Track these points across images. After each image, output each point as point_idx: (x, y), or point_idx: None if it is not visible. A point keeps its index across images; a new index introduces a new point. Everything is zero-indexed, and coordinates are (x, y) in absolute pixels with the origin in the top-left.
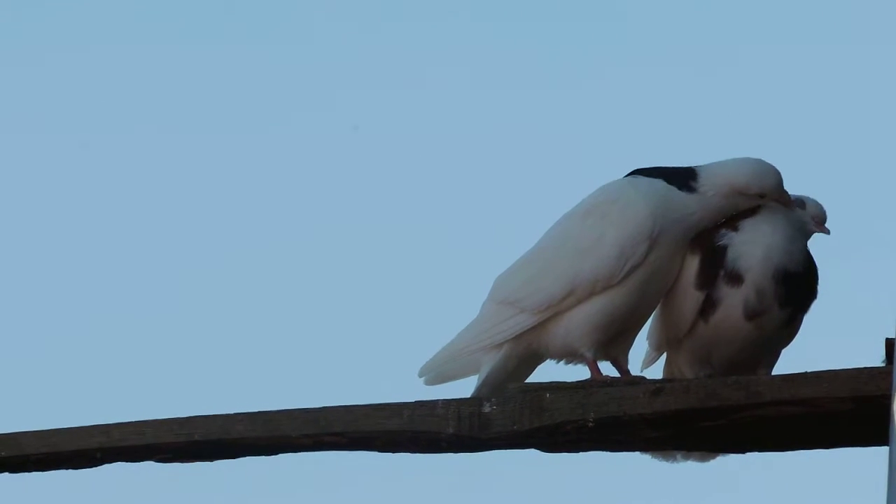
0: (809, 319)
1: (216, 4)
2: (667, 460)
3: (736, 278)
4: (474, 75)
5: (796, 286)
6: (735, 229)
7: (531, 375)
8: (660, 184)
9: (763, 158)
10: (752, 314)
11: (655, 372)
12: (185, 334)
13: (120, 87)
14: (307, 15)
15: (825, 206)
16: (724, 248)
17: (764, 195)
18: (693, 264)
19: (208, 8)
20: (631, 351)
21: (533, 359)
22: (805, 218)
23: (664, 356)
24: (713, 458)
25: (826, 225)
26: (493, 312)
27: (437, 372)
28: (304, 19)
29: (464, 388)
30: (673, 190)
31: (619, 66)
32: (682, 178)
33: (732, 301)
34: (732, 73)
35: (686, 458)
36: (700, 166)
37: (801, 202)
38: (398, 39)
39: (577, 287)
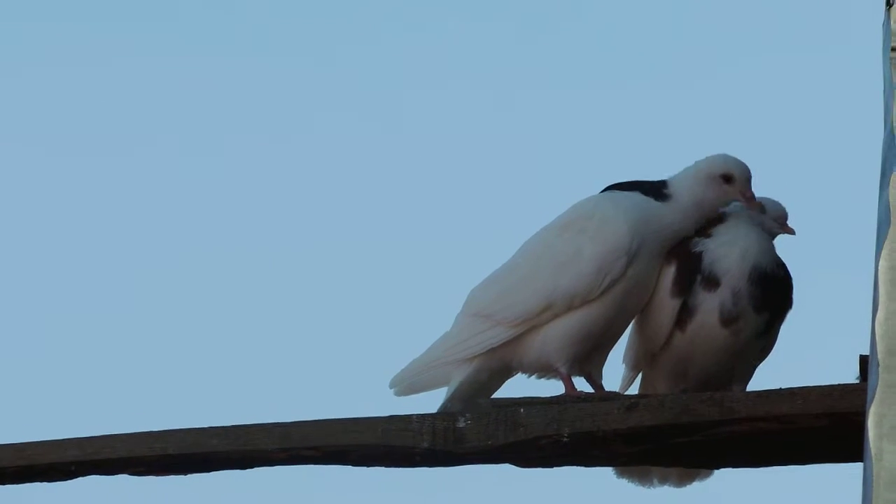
0: (783, 335)
1: (226, 14)
2: (643, 485)
3: (713, 282)
4: (447, 87)
5: (771, 289)
6: (708, 236)
7: (503, 390)
8: (637, 196)
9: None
10: (727, 318)
11: (631, 392)
12: (159, 348)
13: (125, 95)
14: (318, 20)
15: (785, 206)
16: (700, 254)
17: (731, 177)
18: (669, 273)
19: (220, 17)
20: (606, 370)
21: (504, 372)
22: (768, 222)
23: (640, 376)
24: (689, 483)
25: (789, 224)
26: (467, 325)
27: (408, 383)
28: (316, 24)
29: (437, 400)
30: (649, 201)
31: (600, 78)
32: (655, 188)
33: (709, 306)
34: (710, 84)
35: (662, 483)
36: (669, 177)
37: (760, 207)
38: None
39: (555, 302)
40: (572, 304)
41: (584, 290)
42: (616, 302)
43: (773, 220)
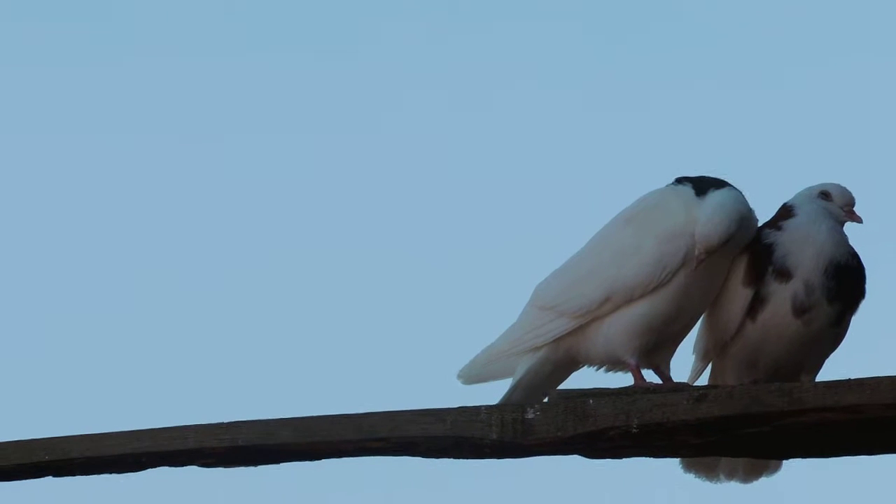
0: (853, 325)
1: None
2: (710, 480)
3: (785, 274)
4: (518, 80)
5: (846, 281)
6: (779, 228)
7: (571, 381)
8: (692, 194)
9: (730, 201)
10: (800, 309)
11: (700, 383)
12: (230, 340)
13: (132, 94)
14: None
15: (853, 192)
16: (771, 246)
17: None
18: (741, 263)
19: (241, 14)
20: (675, 363)
21: (570, 365)
22: (834, 210)
23: (709, 368)
24: (756, 478)
25: (857, 212)
26: (533, 317)
27: (475, 373)
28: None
29: (504, 390)
30: (692, 200)
31: (665, 79)
32: (706, 192)
33: (781, 297)
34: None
35: (729, 478)
36: (721, 185)
37: (825, 193)
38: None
39: (615, 293)
40: (633, 295)
41: (644, 282)
42: (677, 294)
43: (839, 208)
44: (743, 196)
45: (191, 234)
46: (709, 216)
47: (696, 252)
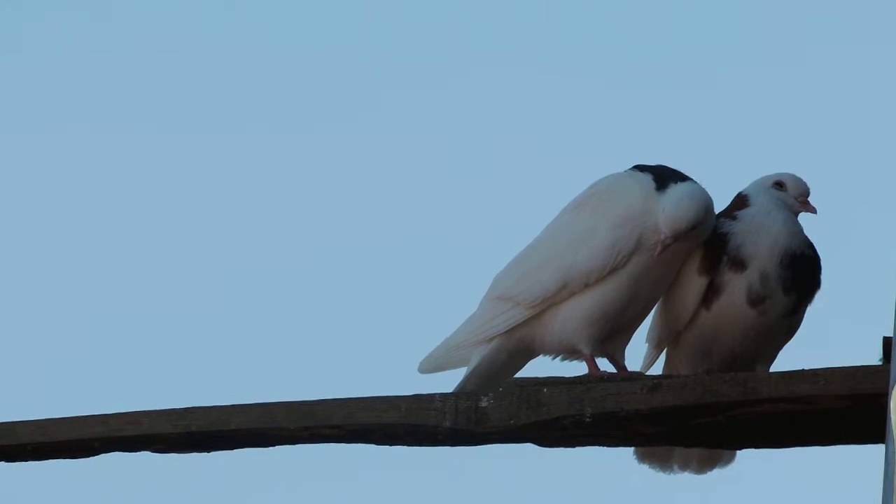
0: (808, 317)
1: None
2: (664, 471)
3: (740, 264)
4: (477, 75)
5: (801, 271)
6: (734, 218)
7: (526, 370)
8: (653, 179)
9: (698, 195)
10: (755, 299)
11: (654, 372)
12: (183, 326)
13: (126, 88)
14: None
15: (807, 182)
16: (726, 236)
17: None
18: (696, 252)
19: (230, 7)
20: (629, 351)
21: (525, 353)
22: (788, 199)
23: (663, 357)
24: (710, 469)
25: (811, 202)
26: (489, 308)
27: (435, 365)
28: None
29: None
30: (651, 189)
31: (615, 67)
32: (666, 182)
33: (736, 286)
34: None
35: (683, 469)
36: (682, 177)
37: (779, 183)
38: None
39: (571, 280)
40: (588, 281)
41: (599, 267)
42: (631, 282)
43: (794, 199)
44: (705, 190)
45: (148, 220)
46: (678, 201)
47: (662, 237)
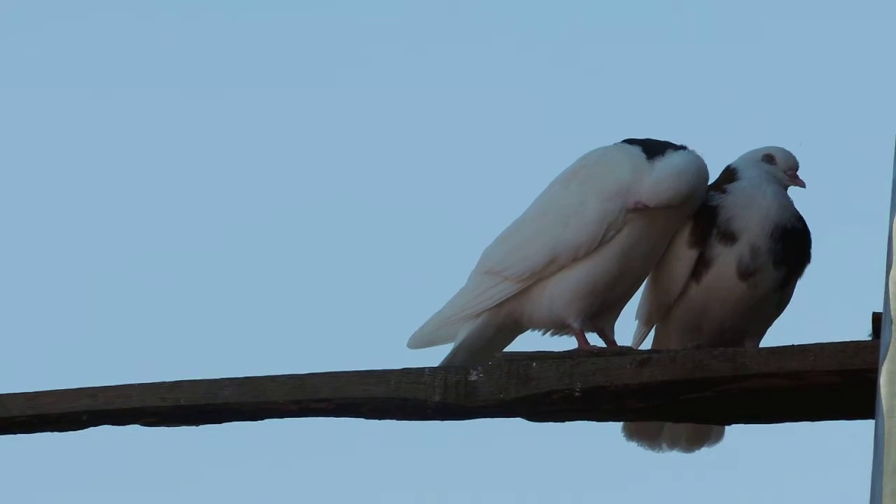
0: (797, 292)
1: None
2: (653, 449)
3: (730, 237)
4: (462, 35)
5: (792, 244)
6: (723, 191)
7: (516, 344)
8: (643, 152)
9: (693, 165)
10: (745, 272)
11: (644, 347)
12: (172, 299)
13: (104, 47)
14: None
15: (796, 155)
16: (716, 209)
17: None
18: (686, 225)
19: None
20: (618, 327)
21: (513, 328)
22: (777, 173)
23: (652, 333)
24: (698, 447)
25: (800, 176)
26: (478, 282)
27: (424, 340)
28: None
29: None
30: (642, 161)
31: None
32: (655, 154)
33: (726, 260)
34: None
35: (671, 447)
36: (675, 147)
37: (769, 156)
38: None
39: (560, 254)
40: (577, 254)
41: (588, 241)
42: (621, 254)
43: (783, 172)
44: (702, 159)
45: (137, 191)
46: (665, 173)
47: (636, 202)
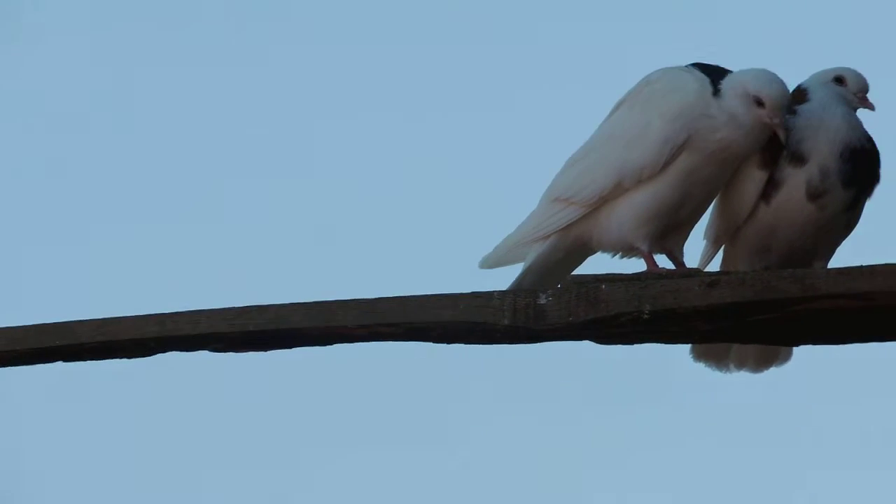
0: (866, 212)
1: None
2: (720, 370)
3: (800, 159)
4: None
5: (861, 165)
6: (793, 112)
7: (584, 267)
8: (704, 80)
9: (777, 74)
10: (815, 193)
11: (712, 269)
12: (241, 225)
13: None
14: None
15: (867, 78)
16: (786, 130)
17: (762, 103)
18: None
19: None
20: (687, 248)
21: (581, 251)
22: (847, 95)
23: (720, 254)
24: (767, 367)
25: (870, 99)
26: (547, 206)
27: (495, 263)
28: None
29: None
30: (707, 89)
31: None
32: (716, 78)
33: (795, 181)
34: None
35: (739, 367)
36: (732, 72)
37: (839, 78)
38: None
39: (625, 177)
40: (642, 176)
41: (652, 162)
42: (685, 176)
43: (853, 94)
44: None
45: (195, 113)
46: (763, 80)
47: (770, 117)
